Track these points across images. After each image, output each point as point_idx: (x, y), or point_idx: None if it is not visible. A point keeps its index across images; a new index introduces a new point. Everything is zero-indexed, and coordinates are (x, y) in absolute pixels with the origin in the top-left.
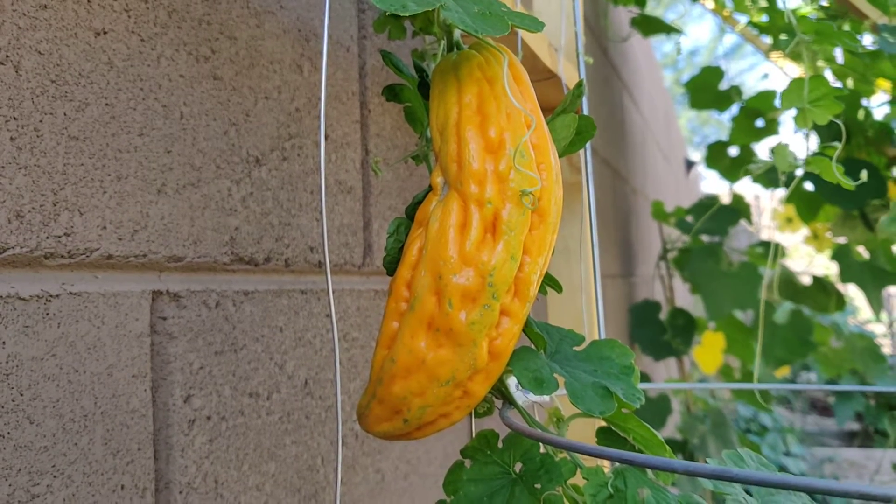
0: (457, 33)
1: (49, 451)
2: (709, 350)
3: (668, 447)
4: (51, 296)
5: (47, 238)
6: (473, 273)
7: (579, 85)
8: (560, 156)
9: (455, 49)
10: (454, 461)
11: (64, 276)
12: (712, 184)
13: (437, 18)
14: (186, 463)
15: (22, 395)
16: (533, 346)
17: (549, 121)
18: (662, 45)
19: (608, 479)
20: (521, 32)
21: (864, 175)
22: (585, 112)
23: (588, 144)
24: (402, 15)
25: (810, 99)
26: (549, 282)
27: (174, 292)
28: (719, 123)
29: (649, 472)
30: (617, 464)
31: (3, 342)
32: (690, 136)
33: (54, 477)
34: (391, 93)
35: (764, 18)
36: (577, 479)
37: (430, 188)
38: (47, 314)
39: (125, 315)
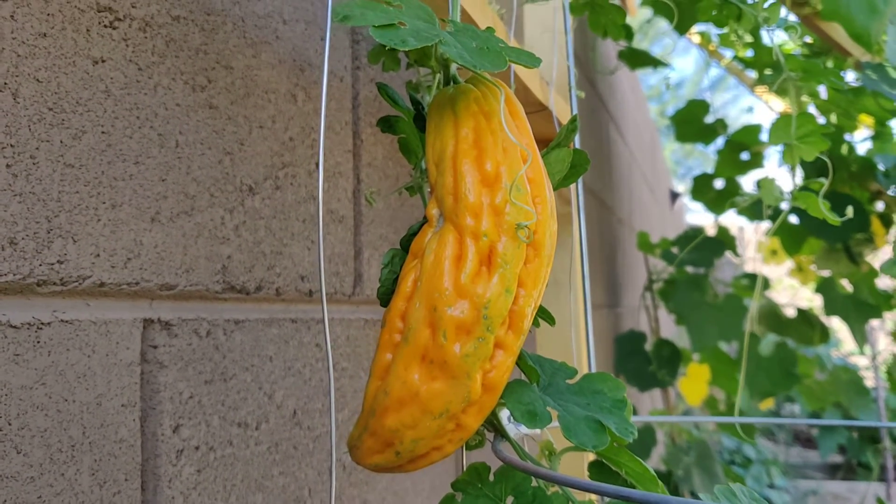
0: (453, 66)
1: (36, 482)
2: (694, 381)
3: (660, 482)
4: (42, 323)
5: (40, 265)
6: (468, 305)
7: (573, 120)
8: (554, 189)
9: (452, 82)
10: (445, 494)
11: (56, 303)
12: (698, 215)
13: (434, 52)
14: (173, 494)
15: (10, 424)
16: (526, 379)
17: (544, 154)
18: (649, 77)
19: None
20: (514, 66)
21: (849, 211)
22: (576, 145)
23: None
24: (400, 49)
25: (798, 135)
26: (542, 314)
27: (165, 321)
28: (703, 155)
29: None
30: (608, 498)
31: None
32: (675, 167)
33: None
34: (386, 124)
35: (749, 53)
36: None
37: (425, 219)
38: (38, 342)
39: (116, 343)
